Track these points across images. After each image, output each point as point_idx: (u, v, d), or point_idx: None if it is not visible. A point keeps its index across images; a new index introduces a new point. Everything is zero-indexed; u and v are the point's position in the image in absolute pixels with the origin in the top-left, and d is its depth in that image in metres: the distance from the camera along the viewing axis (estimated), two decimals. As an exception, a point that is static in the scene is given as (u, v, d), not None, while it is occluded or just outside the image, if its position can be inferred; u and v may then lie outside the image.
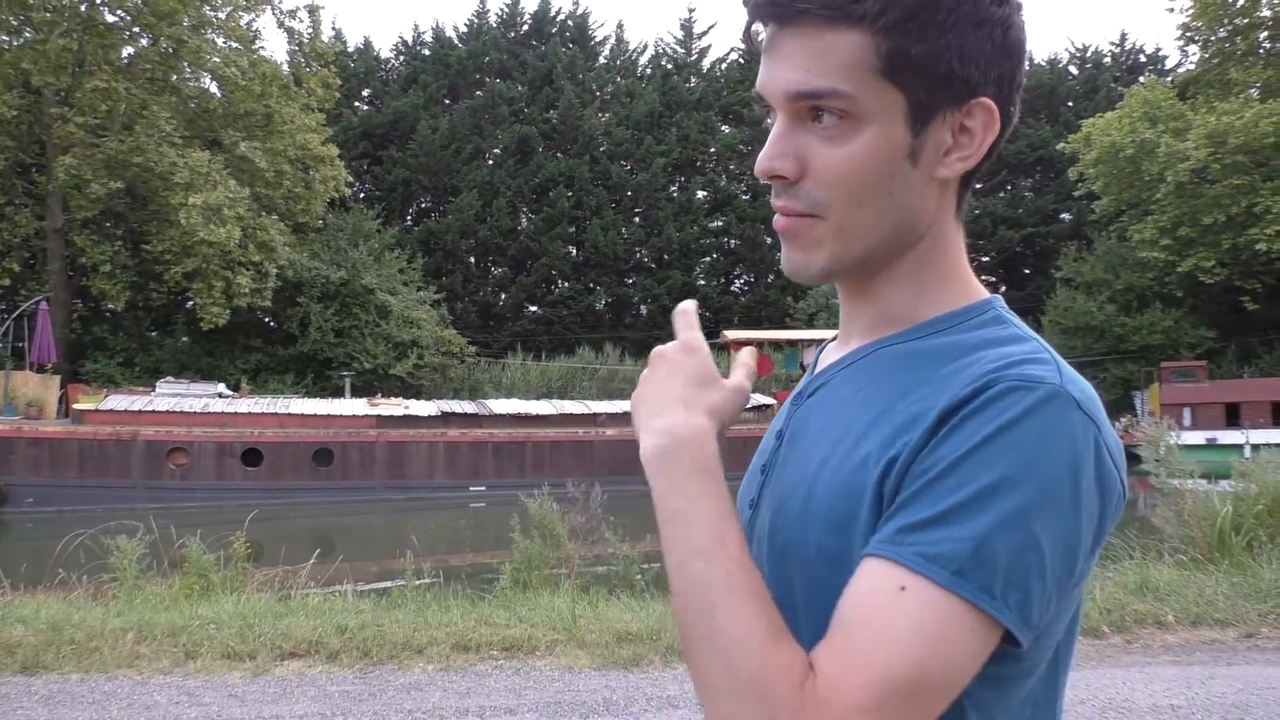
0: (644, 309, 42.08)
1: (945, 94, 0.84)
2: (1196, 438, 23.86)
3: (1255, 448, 19.39)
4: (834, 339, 1.04)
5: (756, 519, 0.95)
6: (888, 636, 0.73)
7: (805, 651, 0.77)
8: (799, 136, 0.86)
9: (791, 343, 28.97)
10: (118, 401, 21.72)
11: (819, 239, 0.88)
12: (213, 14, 27.47)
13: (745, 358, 1.00)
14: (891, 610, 0.74)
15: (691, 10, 57.88)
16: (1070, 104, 43.08)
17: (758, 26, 0.89)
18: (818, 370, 1.00)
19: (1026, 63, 0.88)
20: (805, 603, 0.85)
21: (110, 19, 26.30)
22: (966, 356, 0.84)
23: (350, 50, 40.35)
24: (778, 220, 0.90)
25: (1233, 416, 26.88)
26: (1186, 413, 26.33)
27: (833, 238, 0.88)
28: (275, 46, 33.09)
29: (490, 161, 40.82)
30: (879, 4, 0.81)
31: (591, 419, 24.52)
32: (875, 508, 0.80)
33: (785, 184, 0.87)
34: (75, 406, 21.61)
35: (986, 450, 0.75)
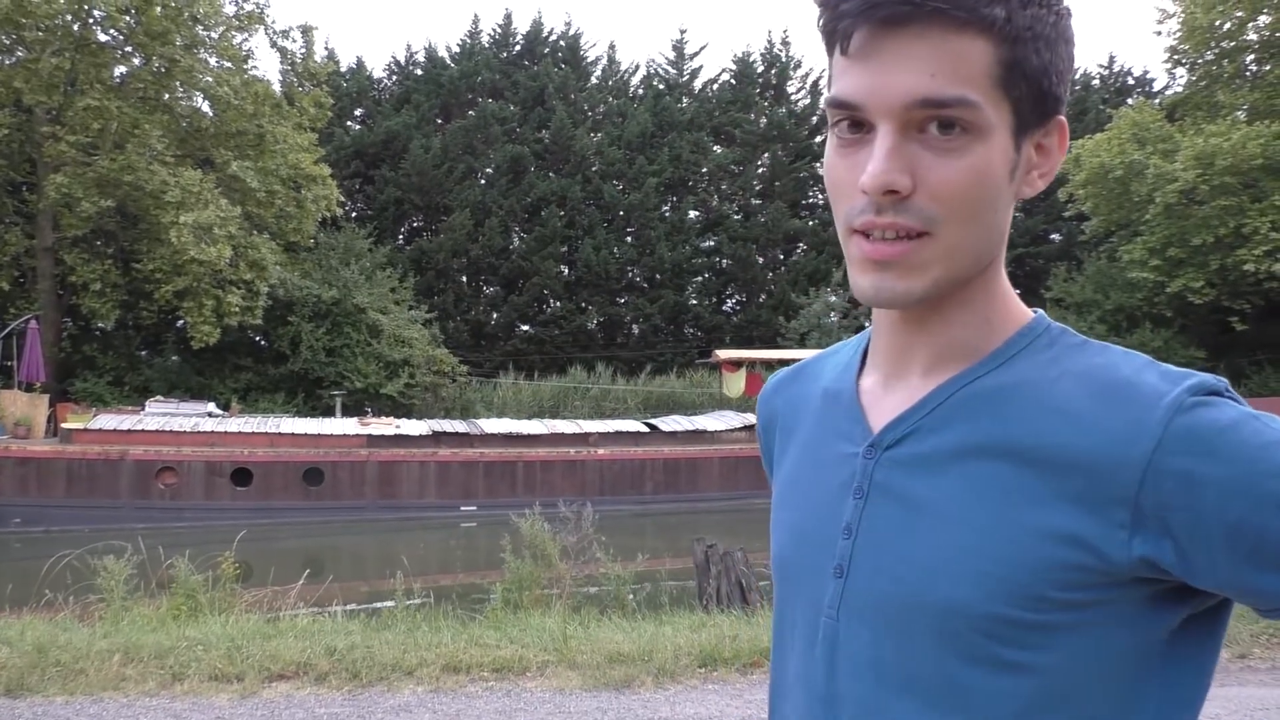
0: (636, 328, 42.08)
1: (1043, 109, 0.84)
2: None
3: (1245, 467, 19.51)
4: (854, 372, 0.98)
5: (851, 585, 0.88)
6: None
7: None
8: (911, 149, 0.81)
9: (783, 362, 28.99)
10: (107, 421, 21.61)
11: (926, 261, 0.83)
12: (206, 34, 27.52)
13: None
14: None
15: (683, 31, 58.33)
16: (1059, 125, 43.38)
17: (836, 32, 0.82)
18: (874, 417, 0.92)
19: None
20: (939, 675, 0.82)
21: (103, 38, 26.34)
22: (1089, 385, 0.82)
23: (343, 70, 40.44)
24: (878, 249, 0.82)
25: (1223, 436, 26.94)
26: (1177, 432, 26.38)
27: (941, 258, 0.83)
28: (268, 66, 33.48)
29: (482, 181, 40.88)
30: (1005, 11, 0.79)
31: (583, 438, 24.48)
32: (1065, 585, 0.79)
33: (896, 199, 0.81)
34: (64, 425, 21.50)
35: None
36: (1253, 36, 31.73)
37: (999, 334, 0.88)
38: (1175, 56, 33.86)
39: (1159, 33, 41.07)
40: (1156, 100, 37.05)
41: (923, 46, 0.78)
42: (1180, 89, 35.23)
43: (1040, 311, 0.91)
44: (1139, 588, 0.79)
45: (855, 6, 0.80)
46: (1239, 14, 30.85)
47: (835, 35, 0.83)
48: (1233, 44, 32.11)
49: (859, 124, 0.83)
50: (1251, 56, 32.41)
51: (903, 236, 0.82)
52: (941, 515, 0.83)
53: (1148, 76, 44.53)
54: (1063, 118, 0.86)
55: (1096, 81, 44.89)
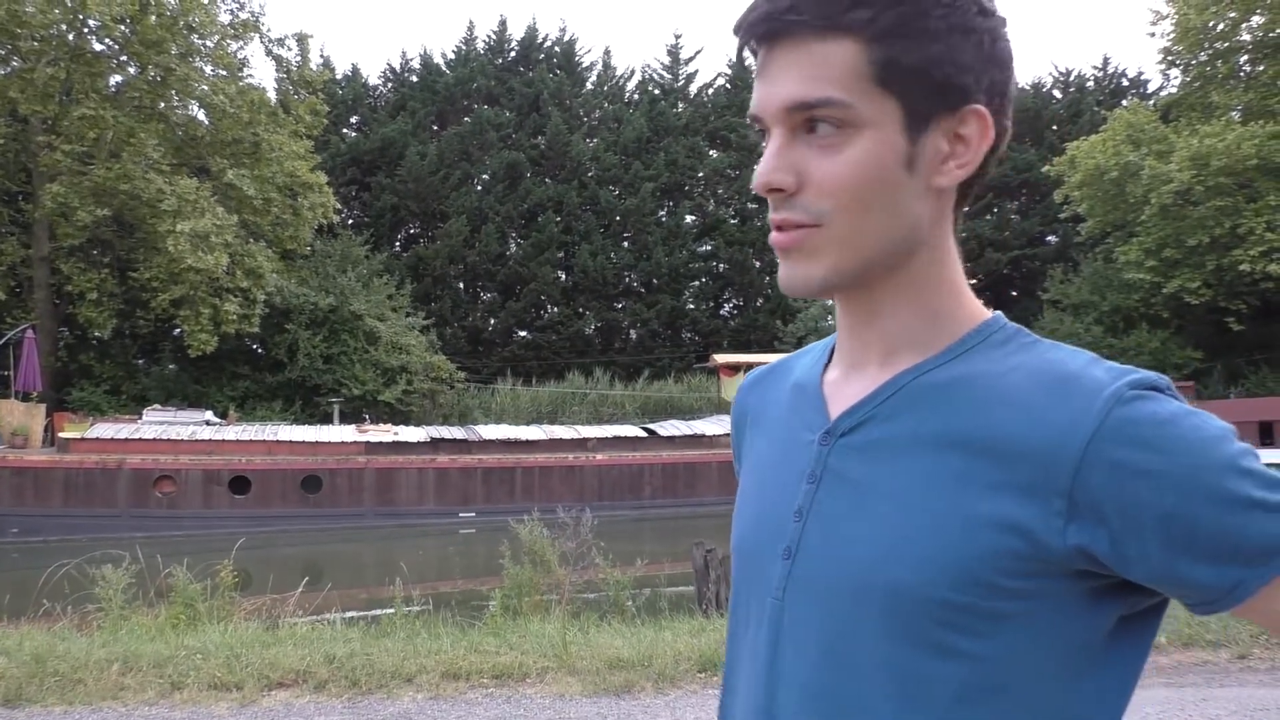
0: (633, 333, 42.09)
1: (940, 101, 0.86)
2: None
3: (1243, 467, 19.50)
4: (821, 366, 1.00)
5: (798, 568, 0.91)
6: None
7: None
8: (796, 149, 0.87)
9: (781, 366, 29.00)
10: (104, 430, 21.58)
11: (818, 248, 0.87)
12: (201, 42, 27.55)
13: None
14: None
15: (678, 36, 58.24)
16: (1054, 127, 43.40)
17: (749, 52, 0.90)
18: (833, 405, 0.95)
19: (1014, 76, 0.90)
20: (882, 657, 0.84)
21: (98, 47, 26.36)
22: (1037, 379, 0.84)
23: (338, 77, 40.48)
24: (776, 237, 0.89)
25: (1221, 436, 26.96)
26: (1174, 433, 26.41)
27: (833, 247, 0.87)
28: (263, 74, 33.51)
29: (479, 187, 40.89)
30: (870, 12, 0.83)
31: (581, 444, 24.47)
32: (1007, 572, 0.80)
33: (783, 197, 0.87)
34: (61, 435, 21.47)
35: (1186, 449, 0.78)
36: (1246, 37, 31.81)
37: (952, 330, 0.91)
38: (1169, 57, 33.94)
39: (1153, 34, 41.14)
40: (1151, 101, 37.11)
41: (796, 55, 0.85)
42: (1174, 90, 35.30)
43: (1000, 314, 0.93)
44: (1080, 581, 0.81)
45: (740, 30, 0.89)
46: (1232, 15, 30.92)
47: (746, 58, 0.92)
48: (1226, 45, 32.19)
49: (764, 132, 0.90)
50: (1245, 57, 32.49)
51: (793, 228, 0.88)
52: (890, 500, 0.86)
53: (1142, 78, 44.63)
54: (978, 107, 0.86)
55: (1091, 83, 44.97)
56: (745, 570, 0.99)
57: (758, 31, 0.87)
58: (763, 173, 0.87)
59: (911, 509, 0.84)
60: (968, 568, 0.81)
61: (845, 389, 0.95)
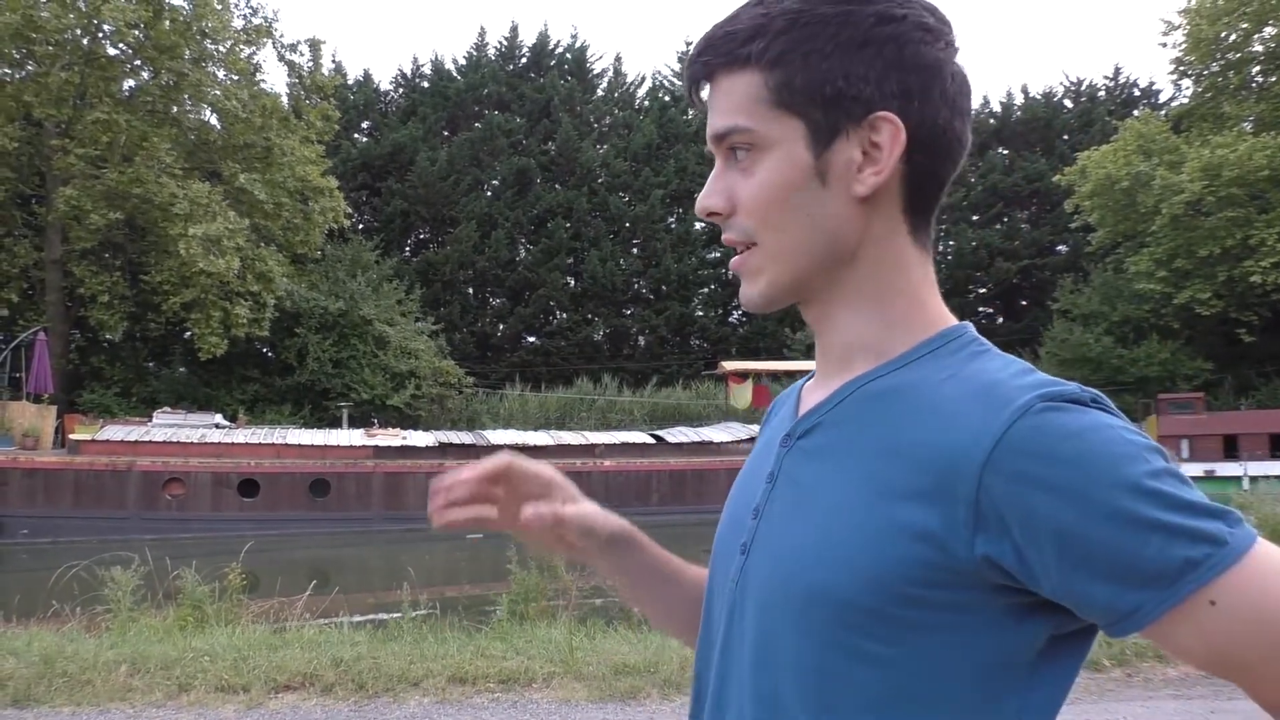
0: (642, 340, 42.10)
1: (840, 114, 0.88)
2: (1195, 470, 23.82)
3: (1254, 480, 19.38)
4: (810, 377, 1.04)
5: (749, 564, 0.94)
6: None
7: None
8: (729, 175, 0.94)
9: (789, 373, 28.96)
10: (114, 432, 21.65)
11: (758, 266, 0.94)
12: (214, 47, 27.68)
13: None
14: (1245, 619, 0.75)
15: (689, 43, 58.30)
16: (1065, 137, 43.35)
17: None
18: (802, 410, 0.99)
19: (945, 77, 0.90)
20: (801, 657, 0.86)
21: (112, 52, 26.49)
22: (965, 387, 0.84)
23: (350, 83, 40.61)
24: (733, 260, 0.96)
25: (1231, 448, 26.85)
26: (1184, 444, 26.30)
27: (767, 263, 0.93)
28: (275, 79, 33.62)
29: (488, 193, 40.97)
30: (764, 42, 0.89)
31: (589, 450, 24.47)
32: (921, 582, 0.80)
33: (722, 219, 0.94)
34: (71, 437, 21.55)
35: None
36: (1258, 48, 31.75)
37: (906, 338, 0.92)
38: (1181, 68, 33.90)
39: (1164, 44, 41.22)
40: (1162, 112, 37.03)
41: (716, 91, 0.94)
42: (1186, 100, 35.23)
43: (965, 324, 0.93)
44: (1000, 595, 0.80)
45: (683, 77, 0.98)
46: (1244, 26, 30.87)
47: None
48: (1238, 55, 32.13)
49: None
50: (1257, 68, 32.42)
51: (742, 250, 0.95)
52: (822, 503, 0.88)
53: (1153, 88, 44.50)
54: (884, 114, 0.87)
55: (1102, 93, 44.88)
56: (716, 565, 1.03)
57: (693, 75, 0.95)
58: (700, 198, 0.95)
59: (838, 513, 0.86)
60: (881, 574, 0.81)
61: (813, 395, 0.99)
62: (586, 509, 1.11)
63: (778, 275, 0.93)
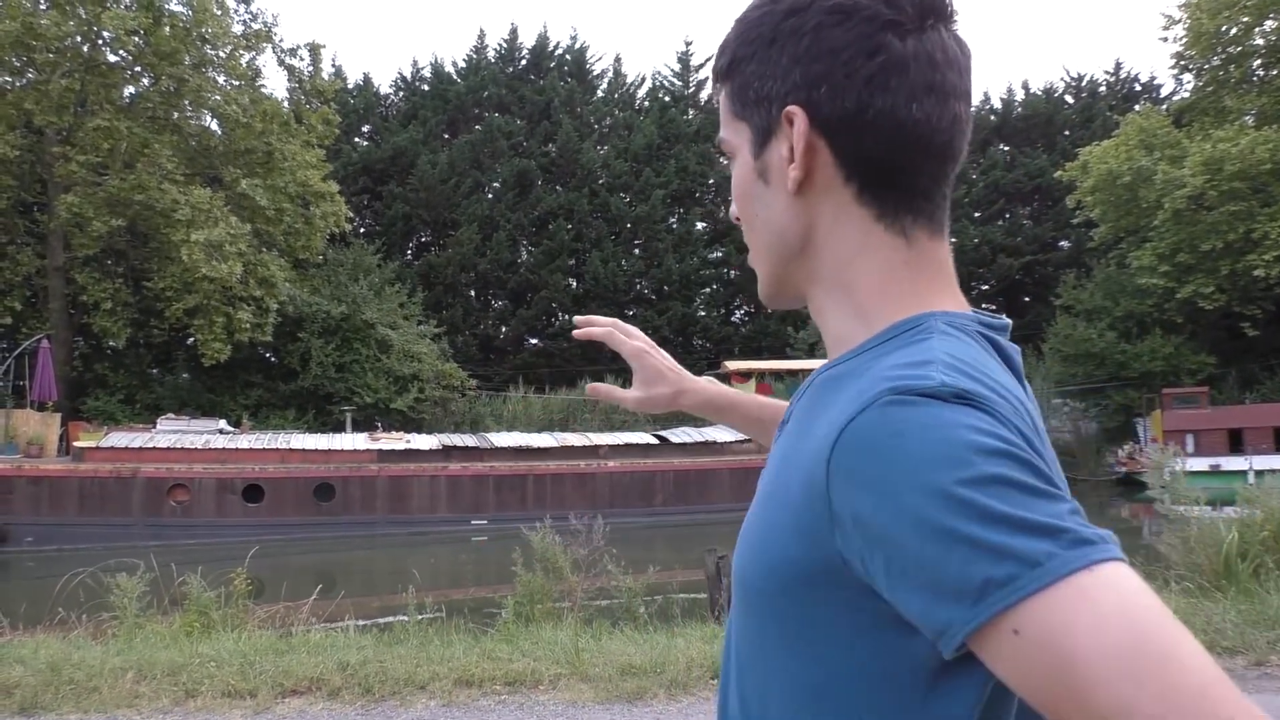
0: (645, 340, 42.04)
1: (761, 114, 0.92)
2: (1200, 464, 23.76)
3: (1259, 474, 19.33)
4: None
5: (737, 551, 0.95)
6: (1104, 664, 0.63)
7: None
8: None
9: (792, 373, 28.98)
10: (118, 439, 21.68)
11: (753, 266, 1.00)
12: (214, 53, 27.71)
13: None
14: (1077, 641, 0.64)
15: (689, 43, 58.16)
16: (1067, 132, 43.33)
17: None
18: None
19: (871, 55, 0.85)
20: (741, 643, 0.89)
21: (112, 59, 26.53)
22: (862, 376, 0.81)
23: (350, 87, 40.64)
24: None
25: (1235, 442, 26.81)
26: (1189, 439, 26.25)
27: (755, 263, 0.99)
28: (276, 84, 33.55)
29: (490, 195, 41.00)
30: (724, 59, 0.96)
31: (593, 451, 24.47)
32: (805, 577, 0.79)
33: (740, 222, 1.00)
34: (76, 444, 21.57)
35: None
36: (1259, 41, 31.67)
37: (871, 327, 0.89)
38: (1182, 62, 33.82)
39: (1165, 39, 40.99)
40: (1164, 106, 36.98)
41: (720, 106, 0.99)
42: (1187, 95, 35.17)
43: (930, 314, 0.87)
44: (877, 600, 0.75)
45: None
46: (1245, 19, 30.80)
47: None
48: (1239, 49, 32.05)
49: None
50: (1258, 61, 32.35)
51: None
52: (766, 489, 0.89)
53: (1155, 82, 44.52)
54: (790, 108, 0.88)
55: (1103, 88, 44.86)
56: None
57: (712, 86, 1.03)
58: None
59: (767, 500, 0.87)
60: (776, 564, 0.81)
61: None
62: (655, 394, 1.46)
63: (762, 273, 0.98)
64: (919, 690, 0.76)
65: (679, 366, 1.48)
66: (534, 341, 41.35)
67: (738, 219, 0.99)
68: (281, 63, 30.11)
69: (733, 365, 29.49)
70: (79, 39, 25.48)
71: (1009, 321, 0.93)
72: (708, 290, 42.66)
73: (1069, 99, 45.15)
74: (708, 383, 1.49)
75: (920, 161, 0.88)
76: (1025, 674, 0.67)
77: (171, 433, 22.68)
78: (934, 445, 0.70)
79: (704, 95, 45.08)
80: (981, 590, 0.66)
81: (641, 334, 1.50)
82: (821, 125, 0.87)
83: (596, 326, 1.48)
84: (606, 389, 1.59)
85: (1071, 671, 0.64)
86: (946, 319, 0.86)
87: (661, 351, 1.49)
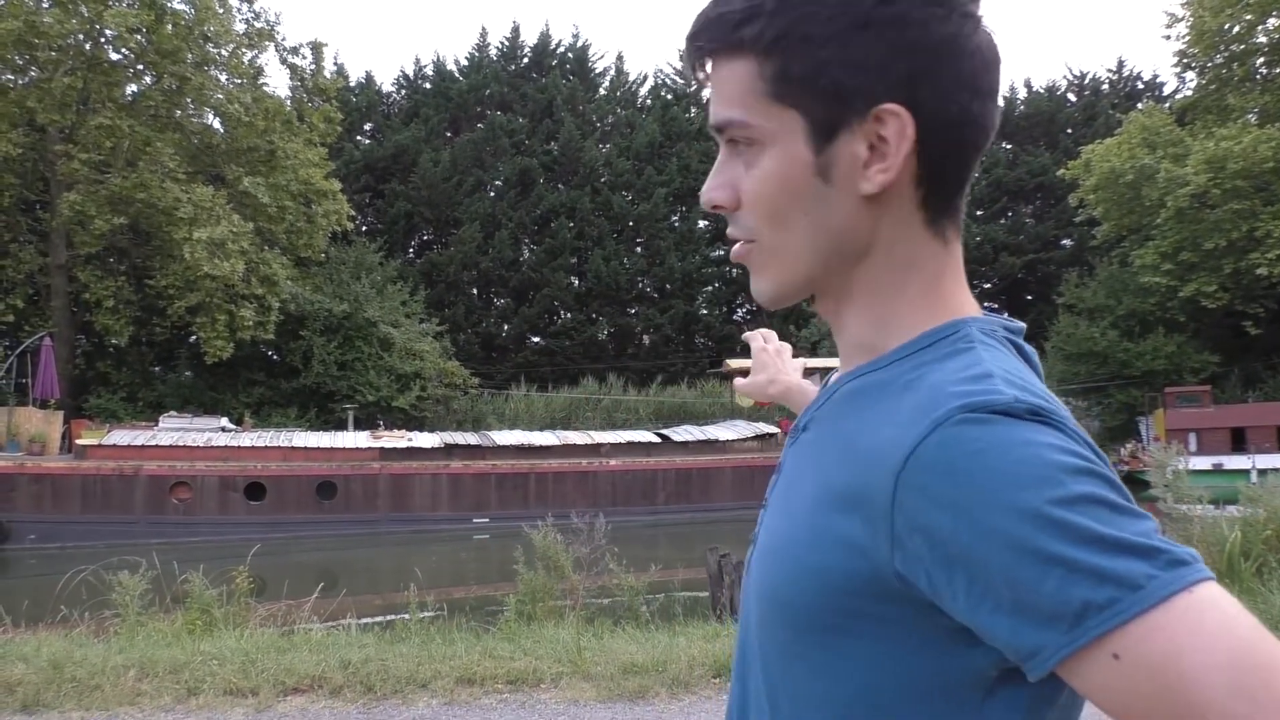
0: (646, 339, 42.07)
1: (841, 106, 0.81)
2: (1203, 463, 23.74)
3: (1262, 472, 19.30)
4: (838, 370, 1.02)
5: (752, 555, 0.92)
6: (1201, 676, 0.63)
7: None
8: (733, 166, 0.87)
9: (794, 371, 28.92)
10: (121, 437, 21.70)
11: (761, 263, 0.89)
12: (216, 51, 27.72)
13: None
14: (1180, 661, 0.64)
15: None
16: (1069, 131, 43.29)
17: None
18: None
19: (960, 55, 0.81)
20: (766, 660, 0.85)
21: (114, 57, 26.53)
22: (915, 388, 0.78)
23: (352, 85, 40.63)
24: (733, 250, 0.91)
25: (1238, 441, 26.78)
26: (1192, 438, 26.23)
27: (770, 260, 0.88)
28: (278, 82, 33.59)
29: (491, 193, 40.99)
30: (758, 27, 0.81)
31: (595, 449, 24.48)
32: (853, 592, 0.76)
33: (727, 212, 0.89)
34: (78, 442, 21.59)
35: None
36: (1262, 39, 31.63)
37: (899, 335, 0.86)
38: (1184, 60, 33.78)
39: (1168, 37, 41.05)
40: (1166, 104, 36.95)
41: (715, 78, 0.86)
42: (1190, 93, 35.14)
43: (961, 320, 0.85)
44: (935, 615, 0.73)
45: (684, 57, 0.90)
46: (1248, 17, 30.75)
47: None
48: (1242, 47, 32.01)
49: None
50: (1261, 59, 32.30)
51: (740, 243, 0.90)
52: (794, 500, 0.85)
53: (1157, 80, 44.47)
54: (890, 106, 0.79)
55: (1106, 86, 44.81)
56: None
57: (690, 57, 0.88)
58: (704, 190, 0.89)
59: (798, 512, 0.83)
60: (819, 579, 0.78)
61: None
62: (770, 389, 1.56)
63: (783, 274, 0.88)
64: (975, 702, 0.75)
65: (788, 360, 1.58)
66: (536, 340, 41.34)
67: (716, 206, 0.88)
68: (284, 61, 30.13)
69: (734, 363, 29.46)
70: (81, 37, 25.47)
71: (1024, 325, 0.91)
72: (710, 288, 42.64)
73: (1072, 97, 45.11)
74: (793, 373, 1.55)
75: (973, 163, 0.85)
76: (1126, 698, 0.66)
77: (174, 431, 22.70)
78: (1020, 464, 0.68)
79: (705, 93, 45.02)
80: (1080, 614, 0.65)
81: (773, 335, 1.63)
82: (919, 127, 0.80)
83: (756, 338, 1.64)
84: (739, 375, 1.75)
85: (1181, 694, 0.63)
86: (979, 326, 0.84)
87: (780, 346, 1.60)
